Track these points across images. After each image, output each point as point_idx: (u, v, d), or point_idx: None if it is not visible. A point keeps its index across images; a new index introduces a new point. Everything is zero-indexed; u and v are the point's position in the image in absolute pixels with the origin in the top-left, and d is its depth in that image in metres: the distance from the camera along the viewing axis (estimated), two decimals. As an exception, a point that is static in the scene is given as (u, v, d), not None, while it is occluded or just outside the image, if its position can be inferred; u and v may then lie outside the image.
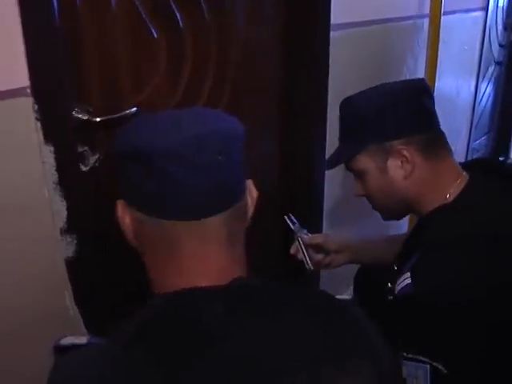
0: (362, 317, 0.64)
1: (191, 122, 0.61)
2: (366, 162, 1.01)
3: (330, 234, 1.35)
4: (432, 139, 0.99)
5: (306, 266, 1.23)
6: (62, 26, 0.93)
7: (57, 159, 0.95)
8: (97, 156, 1.10)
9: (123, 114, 1.08)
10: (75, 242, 1.03)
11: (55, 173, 0.96)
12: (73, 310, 1.07)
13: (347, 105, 1.05)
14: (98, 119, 1.04)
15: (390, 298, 1.02)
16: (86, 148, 1.07)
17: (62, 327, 1.05)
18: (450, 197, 0.96)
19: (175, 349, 0.54)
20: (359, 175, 1.05)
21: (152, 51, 1.14)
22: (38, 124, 0.90)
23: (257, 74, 1.43)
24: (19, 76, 0.87)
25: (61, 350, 0.71)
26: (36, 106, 0.89)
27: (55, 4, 0.90)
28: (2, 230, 0.92)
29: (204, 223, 0.59)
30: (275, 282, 0.63)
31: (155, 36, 1.12)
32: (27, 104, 0.89)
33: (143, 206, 0.60)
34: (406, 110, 0.97)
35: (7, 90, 0.87)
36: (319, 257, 1.27)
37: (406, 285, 0.89)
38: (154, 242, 0.61)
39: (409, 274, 0.89)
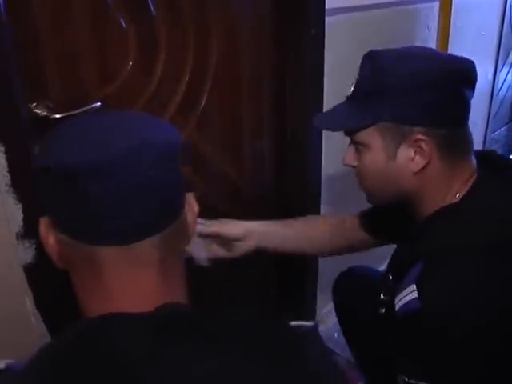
0: (319, 357, 0.57)
1: (121, 132, 0.54)
2: (373, 136, 0.84)
3: (229, 220, 1.11)
4: (457, 137, 0.84)
5: (198, 262, 1.01)
6: (12, 16, 0.86)
7: (8, 159, 0.88)
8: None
9: (86, 109, 1.00)
10: (34, 246, 0.98)
11: (7, 174, 0.90)
12: (35, 317, 1.02)
13: (374, 61, 0.84)
14: (57, 116, 0.97)
15: (382, 311, 0.93)
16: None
17: (24, 334, 1.01)
18: (458, 196, 0.84)
19: (78, 379, 0.48)
20: (358, 146, 0.88)
21: (120, 41, 1.06)
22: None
23: (243, 64, 1.34)
24: None
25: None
26: None
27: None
28: None
29: (132, 248, 0.53)
30: (216, 311, 0.57)
31: (123, 25, 1.04)
32: None
33: (66, 229, 0.54)
34: (442, 95, 0.81)
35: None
36: (219, 250, 1.09)
37: (410, 300, 0.77)
38: (80, 265, 0.56)
39: (414, 286, 0.77)
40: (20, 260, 0.97)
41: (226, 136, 1.37)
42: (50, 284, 1.01)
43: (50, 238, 0.56)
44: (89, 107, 1.01)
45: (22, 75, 0.90)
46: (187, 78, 1.20)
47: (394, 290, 0.85)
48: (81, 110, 1.00)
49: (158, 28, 1.11)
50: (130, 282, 0.55)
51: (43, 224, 0.57)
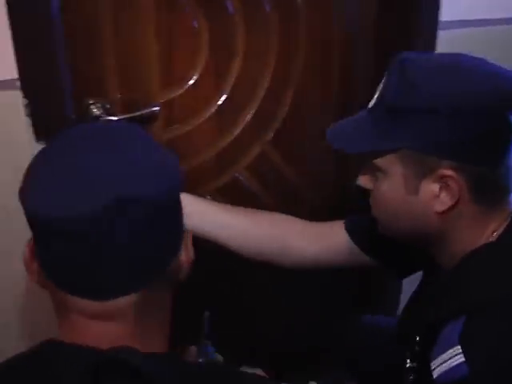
0: None
1: (100, 180, 0.48)
2: (392, 164, 0.69)
3: None
4: (496, 177, 0.68)
5: None
6: (69, 13, 0.83)
7: None
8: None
9: (144, 112, 0.94)
10: None
11: None
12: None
13: (404, 71, 0.67)
14: (113, 117, 0.92)
15: (410, 378, 0.77)
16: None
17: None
18: (495, 234, 0.70)
19: None
20: (376, 170, 0.73)
21: (190, 41, 0.97)
22: (29, 120, 0.82)
23: (334, 76, 1.14)
24: (7, 66, 0.79)
25: None
26: (25, 101, 0.81)
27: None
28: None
29: (106, 304, 0.50)
30: (176, 365, 0.54)
31: (195, 24, 0.94)
32: (16, 98, 0.81)
33: (43, 266, 0.52)
34: (485, 127, 0.65)
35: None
36: None
37: (454, 366, 0.63)
38: (54, 297, 0.54)
39: (459, 349, 0.63)
40: None
41: (305, 154, 1.20)
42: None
43: (34, 265, 0.54)
44: (147, 110, 0.95)
45: (77, 73, 0.87)
46: (266, 86, 1.06)
47: (423, 354, 0.71)
48: (138, 113, 0.95)
49: (235, 28, 0.99)
50: (98, 327, 0.52)
51: (28, 248, 0.54)
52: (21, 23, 0.76)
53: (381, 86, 0.71)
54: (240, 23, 0.99)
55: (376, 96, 0.71)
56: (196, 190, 1.01)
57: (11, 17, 0.75)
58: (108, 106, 0.93)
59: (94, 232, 0.47)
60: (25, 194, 0.50)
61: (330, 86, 1.14)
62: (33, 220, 0.49)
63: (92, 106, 0.91)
